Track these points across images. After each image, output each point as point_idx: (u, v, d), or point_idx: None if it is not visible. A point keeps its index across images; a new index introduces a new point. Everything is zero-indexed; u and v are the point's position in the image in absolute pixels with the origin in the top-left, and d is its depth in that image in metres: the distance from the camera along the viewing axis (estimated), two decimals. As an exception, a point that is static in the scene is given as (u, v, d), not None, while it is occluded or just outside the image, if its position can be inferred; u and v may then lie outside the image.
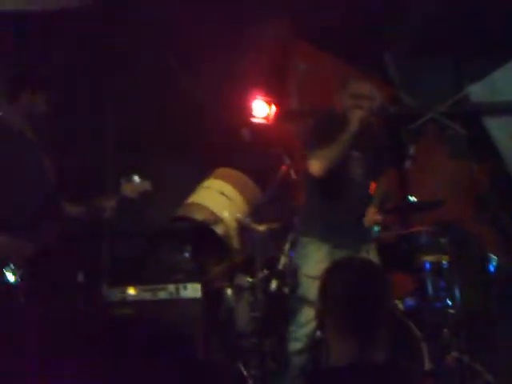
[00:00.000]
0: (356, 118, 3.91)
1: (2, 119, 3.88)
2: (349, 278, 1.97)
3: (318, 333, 4.13)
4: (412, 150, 5.15)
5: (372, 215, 4.08)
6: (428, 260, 4.49)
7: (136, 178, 3.94)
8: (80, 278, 4.43)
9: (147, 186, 4.01)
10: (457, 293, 4.25)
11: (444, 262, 4.43)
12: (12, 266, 3.52)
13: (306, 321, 3.93)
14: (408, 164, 5.26)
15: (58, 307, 3.71)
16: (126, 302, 4.34)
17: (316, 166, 3.94)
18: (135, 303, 4.34)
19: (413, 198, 4.93)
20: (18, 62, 4.94)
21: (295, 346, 3.98)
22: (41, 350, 2.99)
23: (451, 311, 4.28)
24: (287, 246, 4.82)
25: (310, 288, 3.92)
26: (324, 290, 2.02)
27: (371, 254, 4.04)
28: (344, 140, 3.91)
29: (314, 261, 3.99)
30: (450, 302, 4.32)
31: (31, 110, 3.85)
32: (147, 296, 4.35)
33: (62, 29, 5.27)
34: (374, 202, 4.21)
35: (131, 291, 4.42)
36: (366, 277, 1.97)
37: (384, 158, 4.33)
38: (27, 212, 3.72)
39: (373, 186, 4.29)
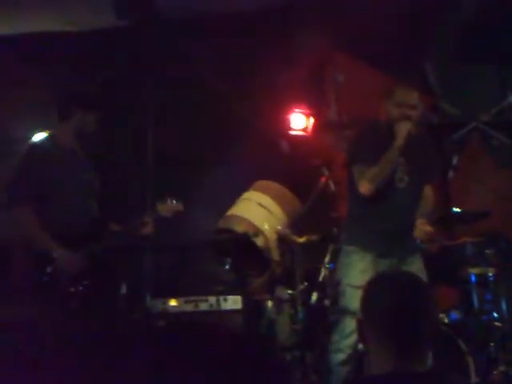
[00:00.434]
0: (403, 131, 3.87)
1: (55, 138, 4.02)
2: (392, 290, 1.95)
3: (360, 346, 4.08)
4: (455, 161, 5.08)
5: (422, 226, 3.99)
6: (474, 272, 4.40)
7: (169, 200, 4.26)
8: (123, 289, 4.47)
9: (180, 207, 4.27)
10: (503, 305, 4.17)
11: (490, 274, 4.34)
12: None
13: (350, 331, 3.87)
14: (451, 174, 5.20)
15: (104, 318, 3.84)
16: (168, 314, 4.37)
17: (366, 187, 3.92)
18: (177, 315, 4.37)
19: (457, 210, 4.85)
20: (70, 82, 5.07)
21: (338, 357, 3.92)
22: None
23: (497, 324, 4.19)
24: (327, 258, 4.78)
25: (353, 298, 3.86)
26: (366, 301, 2.01)
27: (416, 265, 3.95)
28: (391, 157, 3.88)
29: (357, 270, 3.93)
30: (496, 315, 4.23)
31: (82, 129, 4.00)
32: (188, 308, 4.37)
33: (106, 47, 5.37)
34: (422, 214, 4.12)
35: (173, 303, 4.45)
36: (408, 290, 1.94)
37: (431, 165, 4.24)
38: (78, 228, 3.89)
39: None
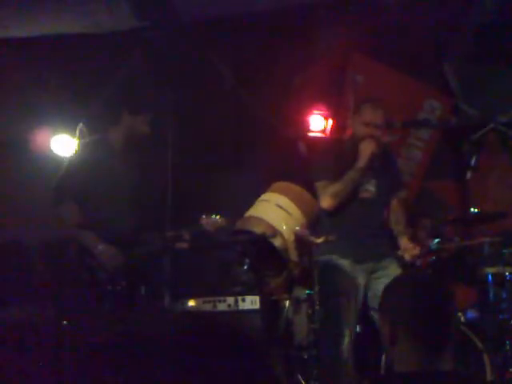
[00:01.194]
0: (367, 152, 4.01)
1: (106, 140, 4.08)
2: (413, 290, 1.98)
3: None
4: (473, 161, 5.08)
5: (408, 250, 4.07)
6: (491, 272, 4.40)
7: (215, 216, 4.31)
8: (142, 290, 4.53)
9: (224, 222, 4.35)
10: (519, 305, 4.16)
11: (507, 273, 4.34)
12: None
13: (338, 340, 3.95)
14: (469, 175, 5.19)
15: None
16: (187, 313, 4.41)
17: (328, 203, 4.13)
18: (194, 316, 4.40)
19: (475, 210, 4.85)
20: (89, 84, 5.15)
21: (340, 358, 3.98)
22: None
23: (513, 323, 4.18)
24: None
25: (337, 304, 4.06)
26: (388, 302, 2.04)
27: (391, 267, 4.04)
28: (353, 177, 4.05)
29: (336, 277, 4.07)
30: (512, 314, 4.22)
31: (132, 132, 4.04)
32: (207, 308, 4.41)
33: (125, 49, 5.44)
34: (400, 231, 4.22)
35: (191, 303, 4.49)
36: (430, 289, 1.98)
37: (398, 175, 4.41)
38: (120, 231, 3.96)
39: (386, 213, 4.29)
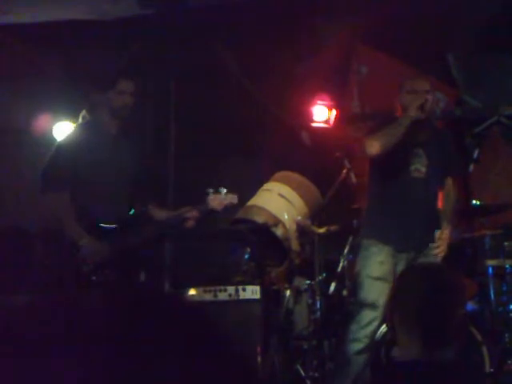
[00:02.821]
0: (414, 104, 3.90)
1: (97, 122, 4.00)
2: (422, 280, 2.00)
3: (378, 334, 4.12)
4: (476, 154, 5.07)
5: (437, 247, 4.00)
6: (491, 264, 4.41)
7: (223, 191, 3.92)
8: (142, 277, 4.53)
9: (234, 199, 4.02)
10: (520, 297, 4.17)
11: (507, 266, 4.34)
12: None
13: (367, 321, 3.92)
14: (472, 167, 5.18)
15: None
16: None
17: (372, 145, 3.91)
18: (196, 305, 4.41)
19: (477, 202, 4.85)
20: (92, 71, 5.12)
21: (355, 346, 3.95)
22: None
23: (513, 315, 4.20)
24: (347, 249, 4.82)
25: (372, 289, 3.94)
26: (397, 290, 2.07)
27: (432, 256, 3.98)
28: (401, 122, 3.90)
29: (376, 262, 3.98)
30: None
31: (111, 109, 3.92)
32: (207, 297, 4.40)
33: (128, 36, 5.42)
34: (445, 217, 4.12)
35: (192, 292, 4.50)
36: (438, 280, 1.99)
37: (451, 160, 4.24)
38: (112, 216, 3.88)
39: (440, 197, 4.20)
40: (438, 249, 3.96)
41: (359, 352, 3.94)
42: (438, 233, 3.99)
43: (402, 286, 2.05)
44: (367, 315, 3.94)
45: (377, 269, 3.96)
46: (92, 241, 3.75)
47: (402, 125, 3.88)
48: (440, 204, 4.18)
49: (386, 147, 3.86)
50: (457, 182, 4.45)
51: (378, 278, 3.96)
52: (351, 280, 4.54)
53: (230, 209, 4.55)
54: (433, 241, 4.07)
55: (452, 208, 4.20)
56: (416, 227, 3.99)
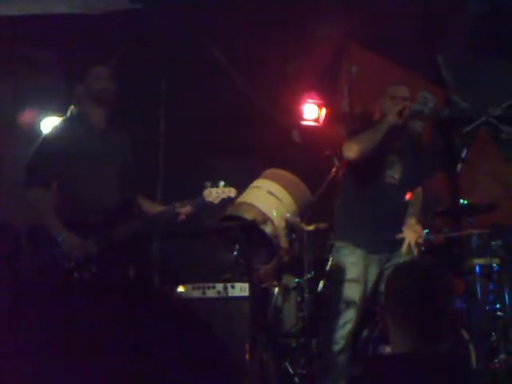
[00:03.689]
0: (394, 110, 3.94)
1: (84, 116, 3.94)
2: (412, 275, 2.02)
3: (365, 333, 4.13)
4: (464, 154, 5.12)
5: (413, 226, 4.03)
6: (478, 263, 4.44)
7: (221, 183, 3.91)
8: (131, 273, 4.51)
9: (232, 192, 4.02)
10: (506, 296, 4.20)
11: (494, 265, 4.38)
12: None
13: (344, 323, 3.97)
14: (460, 167, 5.23)
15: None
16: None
17: (351, 149, 3.96)
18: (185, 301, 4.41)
19: (464, 202, 4.88)
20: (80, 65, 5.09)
21: (334, 347, 4.02)
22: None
23: (500, 314, 4.23)
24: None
25: (347, 290, 3.98)
26: (389, 286, 2.08)
27: (405, 257, 4.02)
28: (380, 127, 3.94)
29: (349, 264, 4.03)
30: (498, 306, 4.27)
31: (91, 96, 3.88)
32: (196, 294, 4.40)
33: (118, 31, 5.40)
34: (412, 213, 4.17)
35: (180, 289, 4.49)
36: (428, 275, 2.01)
37: (425, 166, 4.32)
38: (103, 206, 3.82)
39: (409, 195, 4.25)
40: (402, 234, 3.99)
41: (338, 352, 3.98)
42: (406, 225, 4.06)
43: (394, 284, 2.06)
44: (342, 317, 4.00)
45: (350, 270, 4.02)
46: (71, 236, 3.69)
47: (381, 130, 3.93)
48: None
49: (364, 152, 3.91)
50: (444, 181, 4.49)
51: (351, 280, 4.01)
52: (333, 279, 4.57)
53: (218, 206, 4.57)
54: (400, 246, 4.12)
55: (418, 210, 4.25)
56: (388, 231, 4.05)
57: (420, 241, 4.03)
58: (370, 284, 4.02)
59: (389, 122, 3.92)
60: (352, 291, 3.98)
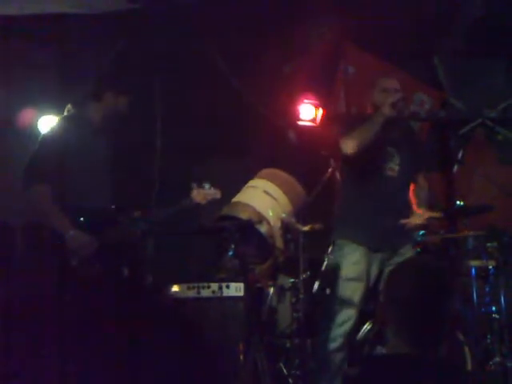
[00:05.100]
0: (388, 102, 3.93)
1: (85, 115, 3.97)
2: (411, 276, 2.00)
3: (360, 334, 4.13)
4: (460, 155, 5.13)
5: (421, 213, 4.02)
6: (474, 265, 4.44)
7: (207, 186, 4.08)
8: (125, 273, 4.50)
9: (217, 194, 4.16)
10: (502, 298, 4.20)
11: (490, 267, 4.38)
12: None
13: (342, 321, 3.96)
14: (456, 168, 5.23)
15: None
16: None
17: (348, 144, 3.94)
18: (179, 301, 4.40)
19: (461, 203, 4.88)
20: (78, 64, 5.08)
21: (332, 345, 4.01)
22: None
23: (495, 316, 4.24)
24: (331, 248, 4.82)
25: (347, 289, 3.96)
26: (388, 286, 2.07)
27: (408, 256, 4.02)
28: (375, 120, 3.93)
29: (350, 262, 4.02)
30: (494, 308, 4.27)
31: (111, 111, 3.95)
32: (190, 294, 4.39)
33: (116, 31, 5.40)
34: (420, 203, 4.16)
35: (175, 288, 4.48)
36: (428, 276, 2.00)
37: (422, 156, 4.31)
38: (100, 206, 3.84)
39: (412, 188, 4.25)
40: (413, 219, 3.99)
41: (335, 350, 3.98)
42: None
43: (393, 284, 2.05)
44: (341, 315, 3.99)
45: (351, 269, 4.01)
46: (79, 233, 3.70)
47: (377, 122, 3.91)
48: (411, 197, 4.23)
49: (362, 145, 3.89)
50: (440, 183, 4.49)
51: (352, 279, 4.00)
52: (332, 278, 4.56)
53: (214, 205, 4.56)
54: (407, 241, 4.11)
55: (426, 195, 4.25)
56: (389, 226, 4.02)
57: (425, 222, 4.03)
58: (371, 283, 4.00)
59: (384, 114, 3.90)
60: (352, 290, 3.97)
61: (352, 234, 4.07)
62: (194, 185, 4.07)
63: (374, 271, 4.02)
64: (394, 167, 4.08)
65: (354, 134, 3.93)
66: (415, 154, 4.21)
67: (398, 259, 3.95)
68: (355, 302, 3.94)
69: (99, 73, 4.14)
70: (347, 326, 3.94)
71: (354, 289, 3.96)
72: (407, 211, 4.12)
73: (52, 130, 3.97)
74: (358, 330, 4.14)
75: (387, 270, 3.95)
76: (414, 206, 4.16)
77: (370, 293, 4.03)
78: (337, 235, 4.21)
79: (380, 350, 4.06)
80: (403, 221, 4.02)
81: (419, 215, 4.04)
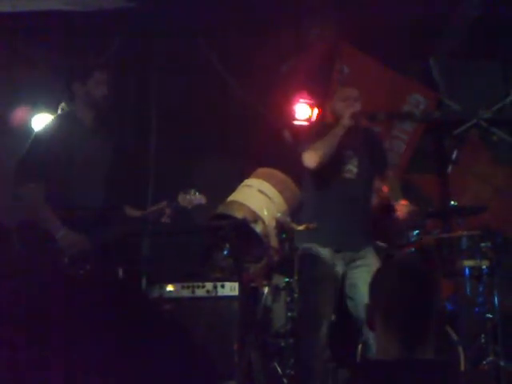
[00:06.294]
0: (347, 113, 3.98)
1: (74, 115, 3.94)
2: (397, 277, 1.99)
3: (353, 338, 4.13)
4: (455, 156, 5.14)
5: (404, 206, 4.04)
6: (468, 265, 4.46)
7: (193, 192, 4.19)
8: (120, 273, 4.50)
9: (203, 200, 4.24)
10: (495, 298, 4.21)
11: (484, 267, 4.39)
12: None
13: (318, 325, 3.97)
14: (450, 169, 5.24)
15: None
16: (165, 299, 4.40)
17: (310, 158, 4.02)
18: (173, 300, 4.40)
19: (455, 203, 4.90)
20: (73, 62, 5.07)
21: (308, 351, 3.98)
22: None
23: (489, 316, 4.24)
24: (298, 252, 4.82)
25: (314, 291, 4.01)
26: (374, 288, 2.05)
27: (369, 258, 4.04)
28: (336, 132, 3.98)
29: (315, 264, 4.04)
30: (488, 307, 4.28)
31: (89, 99, 3.89)
32: (185, 293, 4.40)
33: (112, 28, 5.39)
34: (397, 197, 4.17)
35: (170, 288, 4.48)
36: (414, 277, 1.98)
37: (380, 157, 4.33)
38: (94, 205, 3.84)
39: (386, 189, 4.26)
40: (401, 209, 4.01)
41: (313, 356, 3.96)
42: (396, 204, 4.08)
43: (378, 283, 2.04)
44: (315, 319, 3.98)
45: (317, 271, 4.02)
46: (70, 233, 3.70)
47: (337, 135, 3.98)
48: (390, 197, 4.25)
49: (324, 158, 3.97)
50: (435, 183, 4.49)
51: (319, 280, 4.00)
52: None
53: (207, 205, 4.58)
54: (369, 242, 4.13)
55: (399, 190, 4.27)
56: (351, 227, 4.05)
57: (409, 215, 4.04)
58: (338, 284, 4.02)
59: (344, 127, 3.99)
60: (320, 292, 3.97)
61: (315, 236, 4.08)
62: (182, 191, 4.17)
63: (339, 272, 4.04)
64: (352, 169, 4.13)
65: (315, 148, 4.00)
66: (373, 154, 4.25)
67: (360, 261, 4.01)
68: (324, 304, 3.95)
69: (68, 69, 4.12)
70: (320, 331, 3.93)
71: (322, 291, 3.97)
72: (368, 214, 4.18)
73: (45, 129, 3.95)
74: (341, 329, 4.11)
75: (351, 272, 4.01)
76: (395, 201, 4.16)
77: (340, 292, 4.05)
78: (301, 238, 4.21)
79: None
80: (397, 217, 4.04)
81: (405, 205, 4.04)
